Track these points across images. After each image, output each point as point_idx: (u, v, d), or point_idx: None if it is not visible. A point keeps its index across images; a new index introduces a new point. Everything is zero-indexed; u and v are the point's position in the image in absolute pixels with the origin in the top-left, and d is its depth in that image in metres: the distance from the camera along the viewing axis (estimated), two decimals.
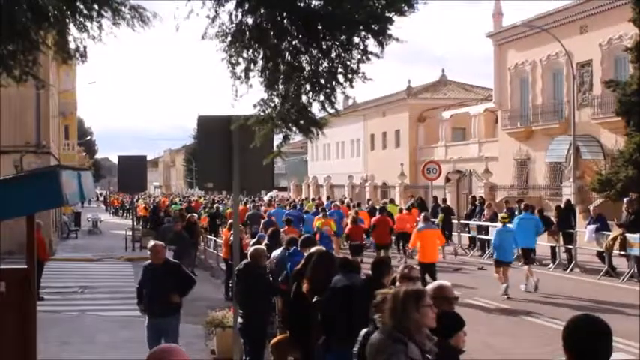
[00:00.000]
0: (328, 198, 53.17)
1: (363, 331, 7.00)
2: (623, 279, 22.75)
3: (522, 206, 26.73)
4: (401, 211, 32.50)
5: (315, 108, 5.94)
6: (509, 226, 22.13)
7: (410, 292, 6.27)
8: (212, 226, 35.49)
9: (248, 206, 36.30)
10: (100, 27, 6.35)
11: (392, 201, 39.65)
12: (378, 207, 31.38)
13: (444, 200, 36.89)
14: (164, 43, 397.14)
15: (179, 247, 21.83)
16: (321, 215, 27.88)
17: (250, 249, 12.51)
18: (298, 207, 36.84)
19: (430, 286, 7.14)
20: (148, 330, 12.05)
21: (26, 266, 8.15)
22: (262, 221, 27.14)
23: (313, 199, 46.38)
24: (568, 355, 4.17)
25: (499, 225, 22.29)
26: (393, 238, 28.89)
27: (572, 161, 33.41)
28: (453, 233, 34.24)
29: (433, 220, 25.97)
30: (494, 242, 21.31)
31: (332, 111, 5.92)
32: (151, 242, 13.02)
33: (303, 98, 5.75)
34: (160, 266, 12.05)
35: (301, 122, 5.88)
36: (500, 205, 33.95)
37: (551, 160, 41.07)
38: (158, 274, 11.98)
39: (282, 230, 20.04)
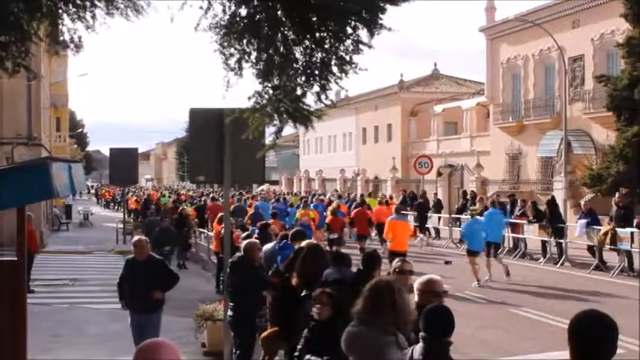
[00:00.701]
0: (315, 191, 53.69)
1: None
2: (614, 273, 22.84)
3: (489, 202, 27.40)
4: (380, 203, 33.09)
5: (310, 99, 5.92)
6: (479, 218, 23.49)
7: (396, 285, 6.28)
8: (200, 218, 35.52)
9: (234, 199, 36.51)
10: (93, 17, 6.29)
11: (370, 194, 42.08)
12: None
13: (422, 194, 37.38)
14: (156, 36, 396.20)
15: (169, 248, 21.67)
16: (301, 206, 28.91)
17: (244, 242, 12.48)
18: (282, 200, 37.08)
19: (419, 280, 7.13)
20: (132, 326, 11.93)
21: (16, 258, 8.11)
22: (250, 213, 27.46)
23: (296, 194, 46.90)
24: (573, 350, 4.15)
25: (469, 218, 23.89)
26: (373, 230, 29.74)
27: (563, 156, 33.47)
28: (445, 227, 34.42)
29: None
30: (465, 233, 22.87)
31: (327, 102, 5.90)
32: (136, 237, 12.94)
33: (298, 90, 5.73)
34: (142, 262, 11.90)
35: (296, 113, 5.85)
36: (492, 199, 34.01)
37: (542, 154, 41.13)
38: (140, 269, 11.85)
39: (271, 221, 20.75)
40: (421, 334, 5.75)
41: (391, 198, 36.17)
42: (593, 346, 4.10)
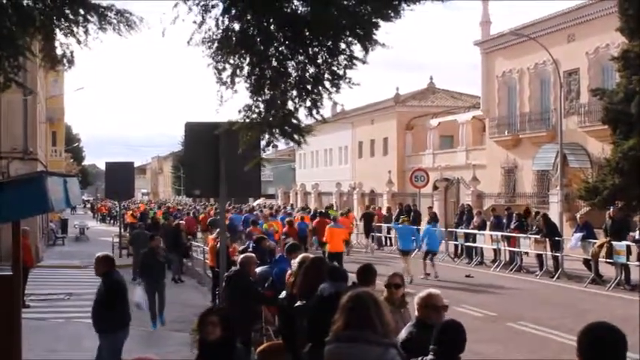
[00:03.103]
0: (292, 206, 57.01)
1: None
2: (610, 287, 22.81)
3: (429, 217, 32.83)
4: (342, 215, 37.65)
5: (302, 114, 5.92)
6: (409, 225, 28.18)
7: (379, 297, 6.19)
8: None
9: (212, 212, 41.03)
10: (86, 32, 6.29)
11: (331, 206, 48.22)
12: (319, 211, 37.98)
13: (367, 207, 45.47)
14: (151, 50, 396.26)
15: (152, 272, 18.50)
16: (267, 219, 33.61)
17: (241, 256, 12.49)
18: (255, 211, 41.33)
19: (420, 295, 7.11)
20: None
21: (11, 273, 8.09)
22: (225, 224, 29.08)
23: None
24: None
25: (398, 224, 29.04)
26: None
27: (559, 169, 33.47)
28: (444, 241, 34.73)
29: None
30: (400, 235, 27.77)
31: (319, 117, 5.90)
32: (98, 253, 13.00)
33: (290, 104, 5.73)
34: (102, 279, 11.80)
35: (286, 128, 5.85)
36: (488, 212, 34.04)
37: (538, 167, 41.13)
38: (101, 287, 11.82)
39: (247, 230, 26.46)
40: (432, 347, 5.72)
41: (349, 211, 42.05)
42: (599, 358, 4.10)
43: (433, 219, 31.91)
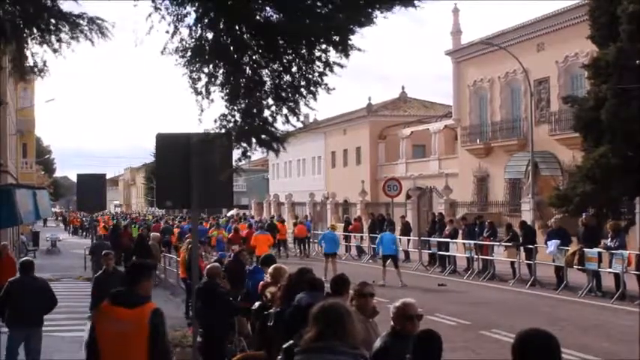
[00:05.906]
0: (245, 216, 59.61)
1: None
2: (582, 293, 22.96)
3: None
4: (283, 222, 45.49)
5: (280, 122, 5.88)
6: (334, 231, 33.43)
7: (350, 308, 6.14)
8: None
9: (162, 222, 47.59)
10: (59, 40, 6.19)
11: (273, 217, 52.42)
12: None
13: (295, 216, 51.52)
14: (123, 61, 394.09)
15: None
16: (215, 226, 39.09)
17: (206, 268, 12.47)
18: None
19: (395, 304, 7.09)
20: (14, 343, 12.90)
21: None
22: (177, 233, 36.79)
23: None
24: None
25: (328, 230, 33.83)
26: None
27: (530, 177, 33.70)
28: (414, 249, 34.71)
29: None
30: (325, 240, 31.39)
31: (298, 124, 5.88)
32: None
33: (266, 112, 5.70)
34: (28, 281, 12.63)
35: (262, 137, 5.82)
36: (459, 221, 34.21)
37: (510, 176, 41.36)
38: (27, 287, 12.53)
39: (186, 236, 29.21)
40: (408, 356, 5.69)
41: (283, 221, 46.69)
42: None
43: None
